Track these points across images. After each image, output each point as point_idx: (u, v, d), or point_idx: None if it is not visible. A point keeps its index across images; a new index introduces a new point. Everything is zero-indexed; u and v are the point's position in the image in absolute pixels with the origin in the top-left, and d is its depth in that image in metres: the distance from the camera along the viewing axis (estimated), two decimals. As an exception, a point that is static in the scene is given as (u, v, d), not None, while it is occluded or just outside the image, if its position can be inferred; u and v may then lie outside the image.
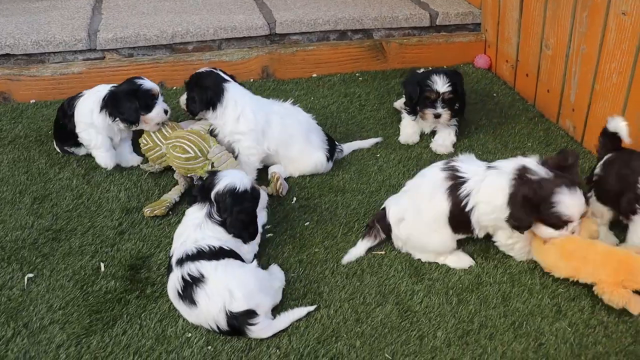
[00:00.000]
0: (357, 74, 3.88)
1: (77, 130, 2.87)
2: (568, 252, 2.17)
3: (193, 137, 2.70)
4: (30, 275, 2.27)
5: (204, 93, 2.75)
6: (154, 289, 2.22)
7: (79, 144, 2.94)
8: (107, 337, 2.02)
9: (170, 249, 2.33)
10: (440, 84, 2.95)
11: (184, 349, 1.98)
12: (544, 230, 2.18)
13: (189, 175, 2.71)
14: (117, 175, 2.89)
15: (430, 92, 2.97)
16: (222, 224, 2.19)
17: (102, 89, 2.86)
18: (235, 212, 2.18)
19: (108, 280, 2.26)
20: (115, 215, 2.61)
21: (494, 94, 3.64)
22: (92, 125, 2.83)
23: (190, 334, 2.03)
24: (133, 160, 2.97)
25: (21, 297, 2.18)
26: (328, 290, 2.21)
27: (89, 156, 2.98)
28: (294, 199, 2.70)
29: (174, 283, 2.07)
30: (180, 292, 2.04)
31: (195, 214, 2.24)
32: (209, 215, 2.20)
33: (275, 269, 2.27)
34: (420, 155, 3.02)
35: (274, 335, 2.02)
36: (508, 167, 2.17)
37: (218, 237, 2.17)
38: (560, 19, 3.09)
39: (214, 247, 2.12)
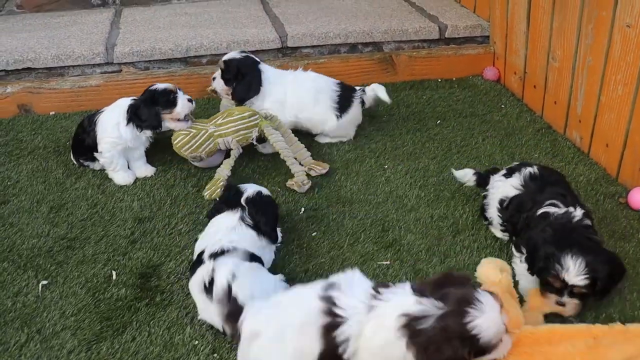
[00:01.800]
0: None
1: (100, 148, 2.94)
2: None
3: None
4: (45, 282, 2.35)
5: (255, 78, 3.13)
6: (163, 297, 2.28)
7: (94, 159, 3.02)
8: (116, 343, 2.08)
9: (181, 255, 2.41)
10: (573, 272, 2.00)
11: (191, 356, 2.03)
12: None
13: (248, 139, 2.94)
14: (130, 185, 2.97)
15: (555, 279, 2.05)
16: (254, 226, 2.32)
17: (123, 103, 2.96)
18: (269, 212, 2.41)
19: (119, 288, 2.33)
20: (128, 225, 2.68)
21: (502, 106, 3.66)
22: (120, 138, 2.91)
23: (197, 342, 2.08)
24: (147, 170, 3.04)
25: (35, 304, 2.25)
26: (333, 300, 2.25)
27: (104, 169, 3.07)
28: (302, 209, 2.75)
29: (201, 275, 2.11)
30: (207, 284, 2.07)
31: (228, 218, 2.34)
32: (242, 219, 2.33)
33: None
34: (427, 167, 3.05)
35: (278, 343, 2.06)
36: (389, 313, 1.66)
37: (250, 242, 2.28)
38: (567, 31, 3.12)
39: (248, 250, 2.21)
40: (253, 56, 3.20)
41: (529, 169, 2.40)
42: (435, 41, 4.09)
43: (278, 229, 2.54)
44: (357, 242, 2.55)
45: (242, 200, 2.38)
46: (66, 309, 2.22)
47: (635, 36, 2.63)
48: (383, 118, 3.54)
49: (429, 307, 1.63)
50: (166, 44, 3.84)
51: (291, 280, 2.33)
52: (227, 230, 2.28)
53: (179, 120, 2.96)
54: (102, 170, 3.06)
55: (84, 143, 3.00)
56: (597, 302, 2.15)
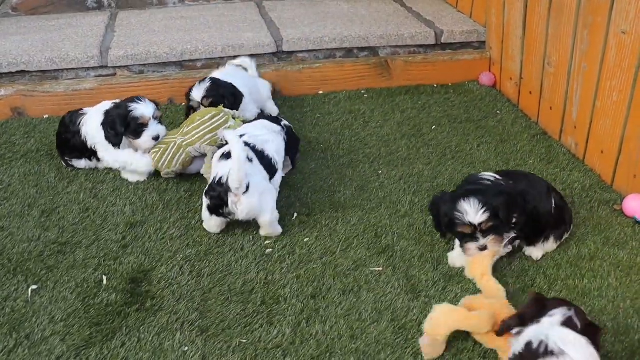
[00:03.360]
0: (362, 91, 3.92)
1: (100, 154, 2.98)
2: None
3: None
4: (35, 287, 2.33)
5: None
6: (153, 302, 2.26)
7: (80, 157, 3.04)
8: (105, 349, 2.06)
9: (173, 260, 2.40)
10: (472, 212, 2.20)
11: (180, 362, 2.02)
12: None
13: (216, 141, 2.87)
14: (123, 189, 2.95)
15: (462, 226, 2.25)
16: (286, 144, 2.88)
17: (106, 106, 2.96)
18: (296, 142, 3.04)
19: (109, 293, 2.30)
20: (120, 229, 2.66)
21: (498, 111, 3.65)
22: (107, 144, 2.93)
23: (187, 348, 2.06)
24: (138, 176, 3.02)
25: (25, 309, 2.23)
26: (324, 306, 2.23)
27: (94, 170, 3.08)
28: (295, 214, 2.73)
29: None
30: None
31: (268, 123, 2.88)
32: (282, 130, 2.91)
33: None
34: (421, 173, 3.04)
35: (269, 352, 2.05)
36: None
37: (278, 148, 2.77)
38: (562, 37, 3.11)
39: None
40: (219, 81, 3.22)
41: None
42: (431, 46, 4.08)
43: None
44: (350, 248, 2.53)
45: (282, 124, 2.94)
46: (56, 314, 2.20)
47: (631, 42, 2.62)
48: (378, 123, 3.53)
49: None
50: (161, 47, 3.82)
51: (282, 287, 2.32)
52: (268, 131, 2.79)
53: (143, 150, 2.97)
54: (95, 173, 3.06)
55: (69, 143, 3.01)
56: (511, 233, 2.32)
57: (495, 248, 2.27)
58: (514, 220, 2.30)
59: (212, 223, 2.59)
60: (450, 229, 2.31)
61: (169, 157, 2.89)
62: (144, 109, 2.89)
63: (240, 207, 2.46)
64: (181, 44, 3.86)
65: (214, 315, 2.20)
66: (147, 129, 2.90)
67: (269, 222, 2.55)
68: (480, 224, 2.22)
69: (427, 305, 2.22)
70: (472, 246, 2.28)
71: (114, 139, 2.90)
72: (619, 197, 2.80)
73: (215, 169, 2.56)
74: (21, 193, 2.91)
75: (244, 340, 2.09)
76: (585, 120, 3.03)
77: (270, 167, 2.66)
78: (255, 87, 3.50)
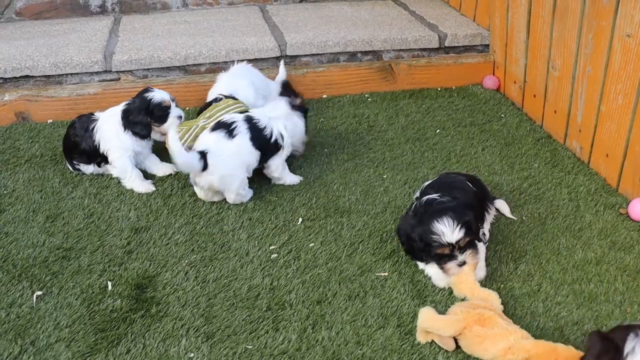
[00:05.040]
0: (366, 95, 3.92)
1: (111, 159, 2.98)
2: None
3: None
4: (39, 292, 2.32)
5: None
6: (158, 308, 2.25)
7: (89, 162, 3.04)
8: (111, 355, 2.06)
9: (178, 266, 2.40)
10: (449, 231, 2.20)
11: (186, 368, 2.02)
12: None
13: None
14: (127, 194, 2.95)
15: (441, 247, 2.23)
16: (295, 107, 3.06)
17: (118, 110, 2.98)
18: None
19: (114, 299, 2.30)
20: (125, 235, 2.66)
21: (502, 115, 3.65)
22: (124, 148, 2.95)
23: (192, 354, 2.06)
24: (165, 168, 3.08)
25: (30, 315, 2.23)
26: (330, 312, 2.22)
27: (98, 175, 3.08)
28: (300, 219, 2.73)
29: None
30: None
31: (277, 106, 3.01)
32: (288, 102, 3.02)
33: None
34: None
35: (274, 358, 2.04)
36: None
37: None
38: (567, 40, 3.11)
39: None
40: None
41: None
42: (435, 50, 4.08)
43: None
44: (355, 253, 2.52)
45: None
46: (61, 320, 2.20)
47: (636, 46, 2.62)
48: (382, 127, 3.53)
49: None
50: (165, 52, 3.83)
51: (288, 292, 2.31)
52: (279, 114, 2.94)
53: (163, 134, 3.00)
54: (100, 178, 3.06)
55: (79, 147, 3.01)
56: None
57: (474, 261, 2.28)
58: (481, 231, 2.38)
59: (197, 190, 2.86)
60: (426, 252, 2.30)
61: (192, 136, 2.99)
62: (162, 94, 2.99)
63: (200, 181, 2.74)
64: (185, 49, 3.86)
65: (220, 321, 2.19)
66: (171, 112, 2.98)
67: (232, 200, 2.81)
68: (457, 242, 2.21)
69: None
70: (452, 265, 2.27)
71: (144, 131, 2.95)
72: (624, 200, 2.79)
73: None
74: (25, 198, 2.91)
75: (250, 346, 2.09)
76: (590, 123, 3.02)
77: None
78: (266, 88, 3.55)
